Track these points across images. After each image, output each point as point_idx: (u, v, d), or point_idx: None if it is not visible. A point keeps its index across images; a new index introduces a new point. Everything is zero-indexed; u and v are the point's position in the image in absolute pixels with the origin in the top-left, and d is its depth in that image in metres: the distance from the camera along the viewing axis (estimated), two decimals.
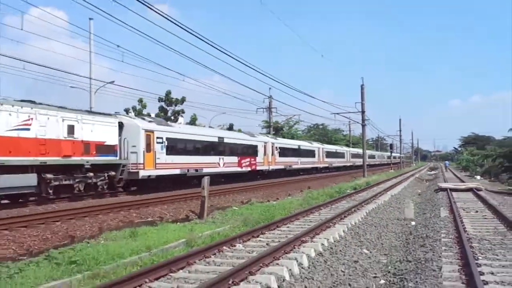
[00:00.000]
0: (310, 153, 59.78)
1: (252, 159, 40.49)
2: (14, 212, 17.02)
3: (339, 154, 76.22)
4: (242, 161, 38.36)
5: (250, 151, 40.78)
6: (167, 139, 28.36)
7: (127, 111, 47.74)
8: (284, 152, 48.94)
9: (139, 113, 47.61)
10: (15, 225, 14.45)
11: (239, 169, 38.04)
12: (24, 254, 11.56)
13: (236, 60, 23.80)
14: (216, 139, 35.49)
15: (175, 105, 51.60)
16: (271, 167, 45.07)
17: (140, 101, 48.48)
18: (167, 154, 28.09)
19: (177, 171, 29.35)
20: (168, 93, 50.64)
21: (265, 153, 43.28)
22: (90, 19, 33.77)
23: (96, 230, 14.84)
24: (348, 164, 79.73)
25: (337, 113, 59.42)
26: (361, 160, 79.94)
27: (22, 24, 28.40)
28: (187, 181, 31.05)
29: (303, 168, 56.54)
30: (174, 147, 29.23)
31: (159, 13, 16.43)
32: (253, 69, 27.97)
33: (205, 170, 31.57)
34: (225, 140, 36.64)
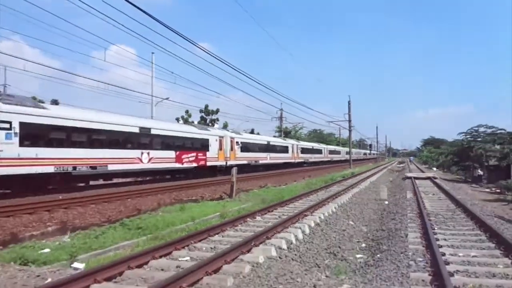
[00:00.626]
0: (283, 149, 46.88)
1: (201, 154, 27.80)
2: (94, 192, 17.26)
3: (316, 150, 62.64)
4: (183, 156, 25.63)
5: (197, 145, 27.92)
6: (23, 124, 15.42)
7: (177, 119, 48.05)
8: (247, 147, 36.13)
9: (186, 121, 47.89)
10: (99, 201, 14.68)
11: (177, 165, 25.08)
12: (105, 222, 11.72)
13: (257, 82, 23.93)
14: (136, 130, 21.91)
15: (212, 115, 51.91)
16: (230, 162, 31.33)
17: (187, 112, 48.82)
18: (22, 145, 15.32)
19: (49, 169, 16.42)
20: (206, 106, 51.10)
21: (220, 148, 30.71)
22: (152, 53, 34.14)
23: (156, 205, 14.95)
24: (326, 160, 68.51)
25: (331, 121, 60.05)
26: (339, 156, 79.09)
27: (104, 57, 28.74)
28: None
29: (274, 163, 42.93)
30: (42, 136, 16.46)
31: (202, 49, 16.57)
32: (269, 89, 28.30)
33: (113, 167, 19.82)
34: (153, 132, 23.16)
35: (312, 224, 10.81)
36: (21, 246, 8.55)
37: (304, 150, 55.28)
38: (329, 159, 70.91)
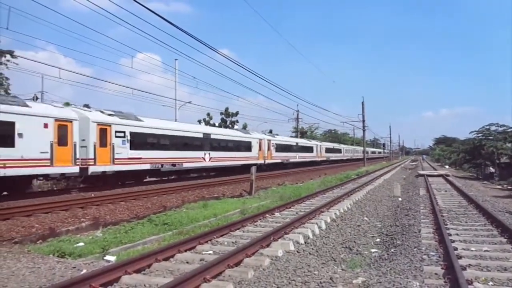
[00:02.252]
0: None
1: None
2: (126, 190, 17.53)
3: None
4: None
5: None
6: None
7: (199, 121, 48.43)
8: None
9: (207, 123, 48.22)
10: (128, 198, 14.90)
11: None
12: (134, 218, 11.91)
13: (274, 85, 24.00)
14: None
15: (232, 117, 52.14)
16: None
17: (208, 114, 49.17)
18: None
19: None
20: (227, 109, 51.39)
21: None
22: (175, 59, 34.49)
23: (180, 202, 15.08)
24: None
25: (345, 122, 60.13)
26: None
27: (132, 64, 29.29)
28: None
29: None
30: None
31: (222, 55, 16.69)
32: (285, 91, 28.56)
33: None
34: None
35: (328, 220, 10.76)
36: (59, 240, 8.80)
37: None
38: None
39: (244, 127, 52.95)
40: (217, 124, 49.92)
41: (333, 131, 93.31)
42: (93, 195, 15.19)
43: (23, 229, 9.72)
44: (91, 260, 7.17)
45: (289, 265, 6.36)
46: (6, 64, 28.56)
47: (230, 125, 51.02)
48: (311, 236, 8.81)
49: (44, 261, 6.79)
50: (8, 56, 28.27)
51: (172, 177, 23.77)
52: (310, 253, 7.61)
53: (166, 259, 6.68)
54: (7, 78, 29.21)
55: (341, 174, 32.60)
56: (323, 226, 9.99)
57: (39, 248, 8.03)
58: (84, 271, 6.15)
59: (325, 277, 5.85)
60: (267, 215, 11.32)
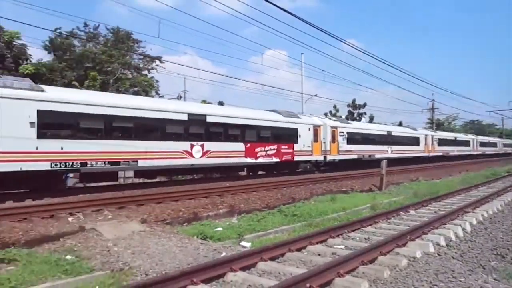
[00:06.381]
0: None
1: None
2: (257, 181, 18.36)
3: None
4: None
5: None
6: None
7: (326, 114, 48.11)
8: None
9: (334, 116, 47.60)
10: (259, 189, 15.49)
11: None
12: (265, 207, 12.40)
13: (405, 73, 22.47)
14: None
15: (359, 109, 50.52)
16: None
17: (334, 107, 48.56)
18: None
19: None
20: (354, 100, 50.10)
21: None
22: (301, 53, 34.86)
23: (308, 195, 15.16)
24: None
25: (491, 111, 52.60)
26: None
27: (262, 61, 30.83)
28: None
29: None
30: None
31: (349, 45, 16.26)
32: (419, 79, 26.62)
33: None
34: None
35: (474, 222, 9.59)
36: (200, 224, 9.71)
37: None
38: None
39: (371, 118, 50.82)
40: (344, 116, 48.92)
41: (475, 122, 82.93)
42: (228, 184, 16.37)
43: (173, 212, 11.01)
44: (229, 244, 7.72)
45: (429, 268, 5.85)
46: (155, 69, 32.77)
47: (357, 117, 49.49)
48: (453, 238, 7.96)
49: (190, 242, 7.57)
50: (157, 62, 32.37)
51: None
52: (453, 257, 6.88)
53: (299, 249, 6.80)
54: (157, 81, 33.50)
55: (487, 171, 28.73)
56: (468, 228, 8.94)
57: (185, 230, 8.99)
58: (224, 253, 6.66)
59: (474, 286, 5.23)
60: (401, 212, 10.66)
